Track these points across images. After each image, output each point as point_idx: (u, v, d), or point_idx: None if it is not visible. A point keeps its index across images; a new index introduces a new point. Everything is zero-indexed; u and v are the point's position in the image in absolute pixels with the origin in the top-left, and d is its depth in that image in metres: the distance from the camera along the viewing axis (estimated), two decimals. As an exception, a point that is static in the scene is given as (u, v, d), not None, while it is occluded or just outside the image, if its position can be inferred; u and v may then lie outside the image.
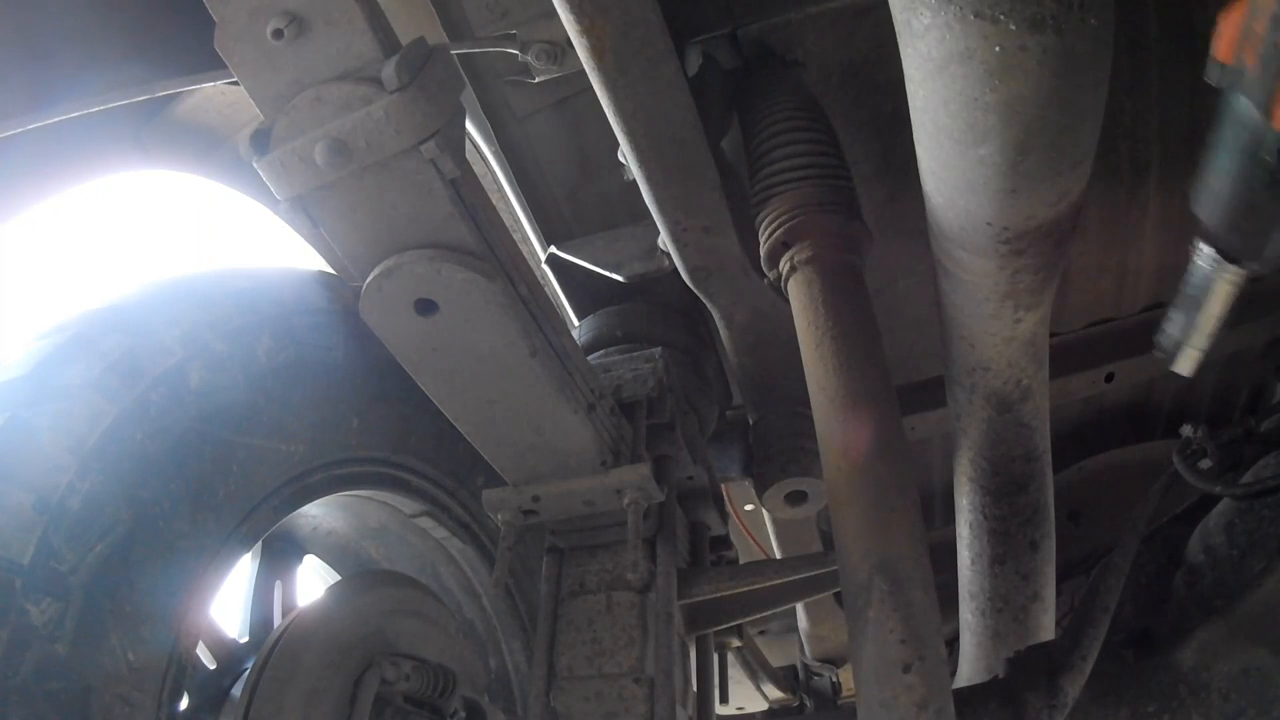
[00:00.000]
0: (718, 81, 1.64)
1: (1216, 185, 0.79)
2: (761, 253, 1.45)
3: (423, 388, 1.27)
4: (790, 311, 1.39)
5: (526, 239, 2.13)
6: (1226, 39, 0.71)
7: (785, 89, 1.57)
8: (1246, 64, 0.70)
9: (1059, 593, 1.76)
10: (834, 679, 3.04)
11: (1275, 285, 2.22)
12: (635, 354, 1.74)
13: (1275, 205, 0.76)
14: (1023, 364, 1.40)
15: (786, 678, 3.12)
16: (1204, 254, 0.85)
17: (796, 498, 1.95)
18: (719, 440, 2.11)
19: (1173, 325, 0.93)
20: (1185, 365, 0.94)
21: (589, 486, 1.37)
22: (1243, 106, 0.72)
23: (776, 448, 1.96)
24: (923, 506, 1.76)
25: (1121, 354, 2.29)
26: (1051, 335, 1.44)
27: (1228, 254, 0.83)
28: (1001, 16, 0.85)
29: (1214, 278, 0.85)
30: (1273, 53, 0.68)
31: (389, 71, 0.98)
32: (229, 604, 1.58)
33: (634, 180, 1.59)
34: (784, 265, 1.41)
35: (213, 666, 1.43)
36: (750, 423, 2.10)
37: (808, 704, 3.05)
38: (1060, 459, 1.84)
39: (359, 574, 1.78)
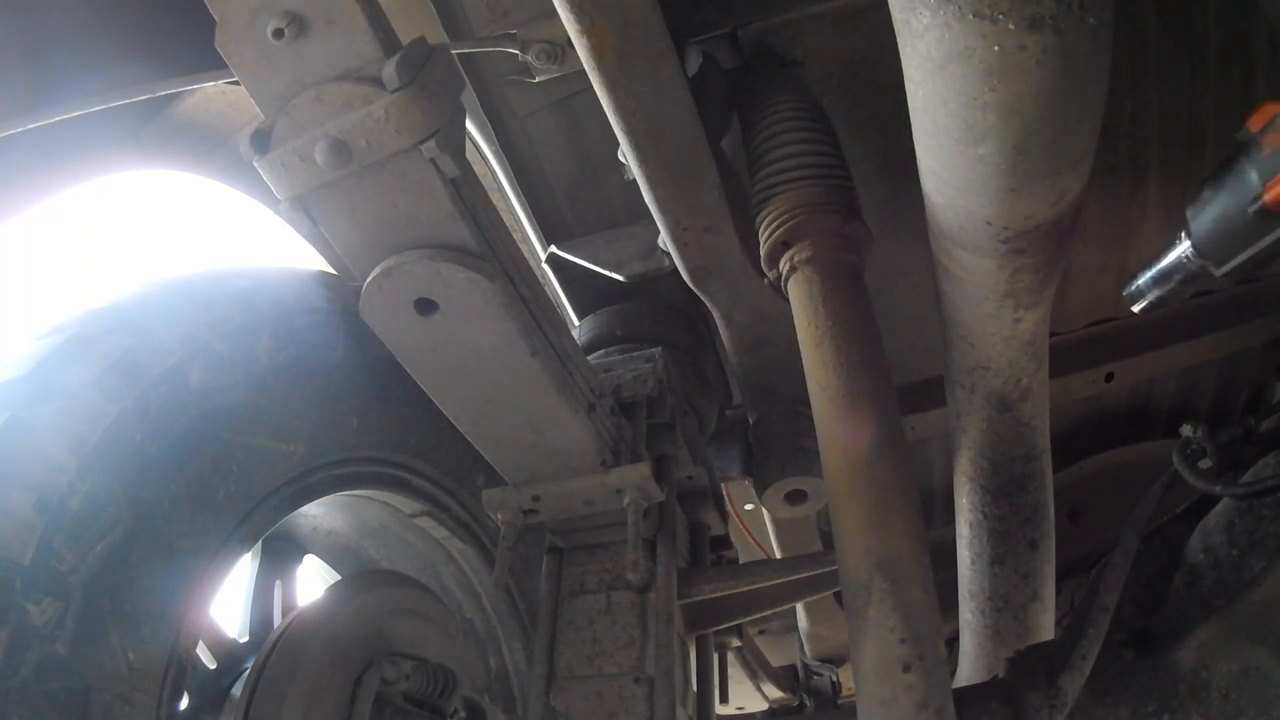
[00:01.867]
0: (718, 81, 1.64)
1: (1209, 207, 1.01)
2: (761, 253, 1.45)
3: (423, 387, 1.27)
4: (790, 311, 1.39)
5: (526, 239, 2.13)
6: (1259, 118, 0.94)
7: (785, 89, 1.57)
8: (1264, 145, 0.93)
9: (1059, 593, 1.76)
10: (834, 678, 3.04)
11: (1275, 285, 2.22)
12: (635, 354, 1.74)
13: (1247, 240, 0.98)
14: (1023, 363, 1.40)
15: (786, 677, 3.12)
16: (1183, 244, 1.07)
17: (796, 497, 1.96)
18: (719, 440, 2.10)
19: (1142, 283, 1.20)
20: (1138, 309, 1.23)
21: (589, 486, 1.37)
22: (1248, 171, 0.95)
23: (776, 447, 1.96)
24: (923, 506, 1.76)
25: (1121, 354, 2.29)
26: (1051, 335, 1.44)
27: (1200, 254, 1.05)
28: (1000, 16, 0.85)
29: (1184, 265, 1.09)
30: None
31: (389, 71, 0.98)
32: (229, 604, 1.58)
33: (634, 180, 1.59)
34: (784, 265, 1.41)
35: (213, 666, 1.43)
36: (750, 423, 2.10)
37: (808, 704, 3.05)
38: (1060, 459, 1.84)
39: (359, 574, 1.79)
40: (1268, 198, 0.92)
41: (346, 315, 1.56)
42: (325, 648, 1.37)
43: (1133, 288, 1.22)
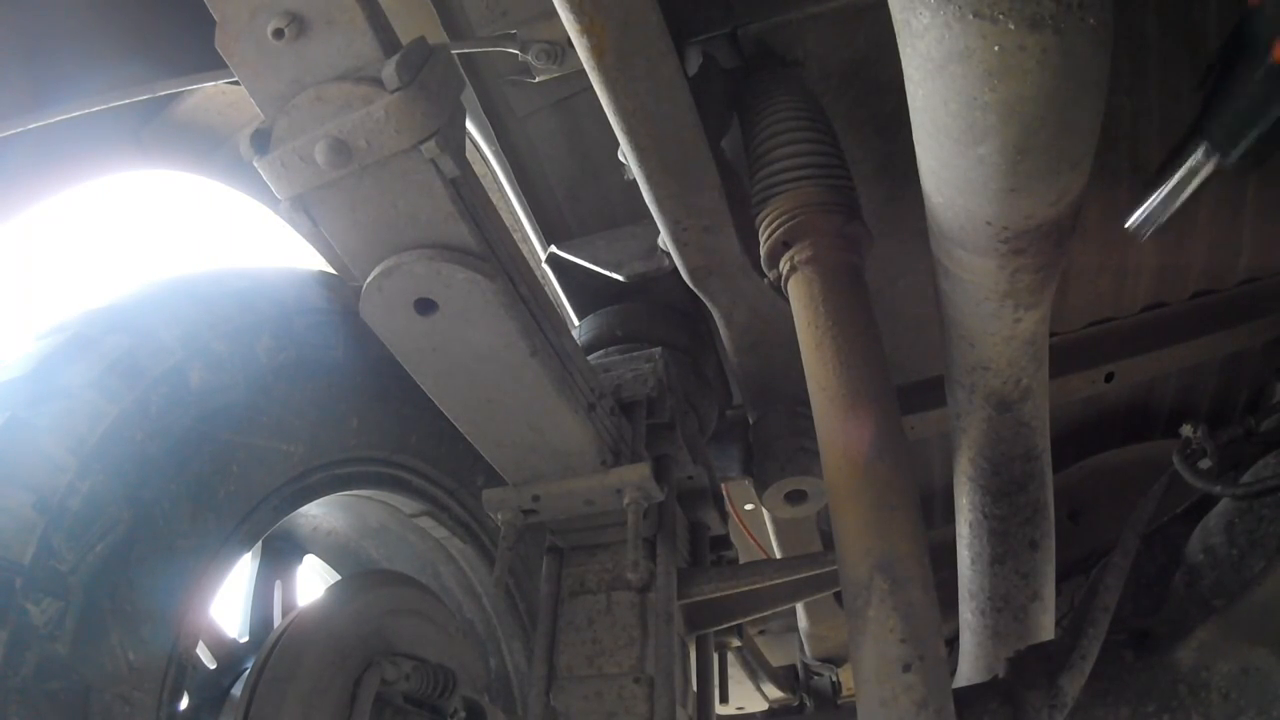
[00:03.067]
0: (718, 81, 1.64)
1: (1219, 101, 1.07)
2: (761, 253, 1.45)
3: (422, 387, 1.27)
4: (790, 311, 1.39)
5: (526, 239, 2.13)
6: None
7: (785, 89, 1.57)
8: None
9: (1059, 593, 1.76)
10: (834, 678, 3.04)
11: (1275, 285, 2.22)
12: (635, 354, 1.74)
13: (1255, 110, 1.03)
14: (1023, 363, 1.40)
15: (786, 677, 3.12)
16: (1193, 150, 1.13)
17: (796, 497, 1.96)
18: (719, 440, 2.10)
19: (1149, 206, 1.22)
20: (1143, 234, 1.26)
21: (589, 486, 1.37)
22: (1256, 34, 1.00)
23: (776, 447, 1.96)
24: (923, 506, 1.76)
25: (1121, 354, 2.29)
26: (1051, 335, 1.44)
27: (1212, 145, 1.10)
28: (1000, 16, 0.85)
29: (1198, 168, 1.13)
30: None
31: (389, 71, 0.98)
32: (229, 604, 1.58)
33: (634, 180, 1.59)
34: (784, 265, 1.41)
35: (213, 666, 1.43)
36: (750, 423, 2.10)
37: (808, 704, 3.05)
38: (1060, 459, 1.84)
39: (359, 574, 1.79)
40: (1277, 53, 0.98)
41: (346, 315, 1.56)
42: (325, 648, 1.37)
43: (1142, 216, 1.24)
